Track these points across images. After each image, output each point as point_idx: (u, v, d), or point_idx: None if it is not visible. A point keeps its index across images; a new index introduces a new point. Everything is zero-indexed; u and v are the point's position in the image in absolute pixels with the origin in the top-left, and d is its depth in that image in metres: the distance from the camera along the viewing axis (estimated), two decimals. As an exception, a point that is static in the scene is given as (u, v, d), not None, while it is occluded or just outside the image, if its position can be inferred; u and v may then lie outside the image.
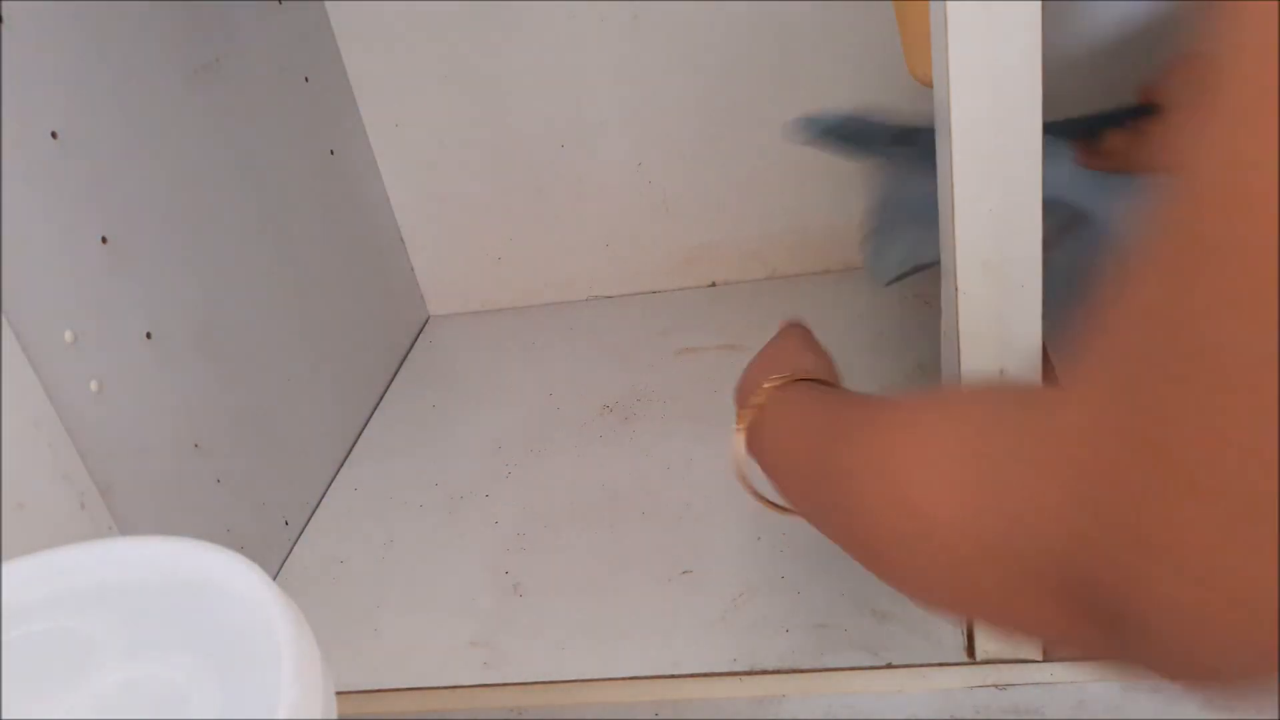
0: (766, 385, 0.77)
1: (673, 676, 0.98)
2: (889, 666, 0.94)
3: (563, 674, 1.00)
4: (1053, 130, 0.69)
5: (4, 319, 0.86)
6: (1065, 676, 0.90)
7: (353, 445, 1.43)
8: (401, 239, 1.66)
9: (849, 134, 1.01)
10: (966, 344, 0.78)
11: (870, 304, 1.50)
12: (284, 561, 1.23)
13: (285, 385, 1.29)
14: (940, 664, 0.93)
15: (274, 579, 0.50)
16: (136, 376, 1.03)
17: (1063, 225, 0.84)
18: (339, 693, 0.48)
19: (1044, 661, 0.91)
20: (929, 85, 0.79)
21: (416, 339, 1.66)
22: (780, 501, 0.75)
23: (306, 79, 1.41)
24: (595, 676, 1.00)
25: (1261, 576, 0.37)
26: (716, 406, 1.34)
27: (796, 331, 0.92)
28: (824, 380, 0.80)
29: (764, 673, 0.96)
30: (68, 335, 0.94)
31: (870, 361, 1.36)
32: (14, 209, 0.90)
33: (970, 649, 0.92)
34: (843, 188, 1.54)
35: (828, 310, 1.50)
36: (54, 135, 0.96)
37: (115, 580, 0.54)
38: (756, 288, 1.60)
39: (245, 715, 0.45)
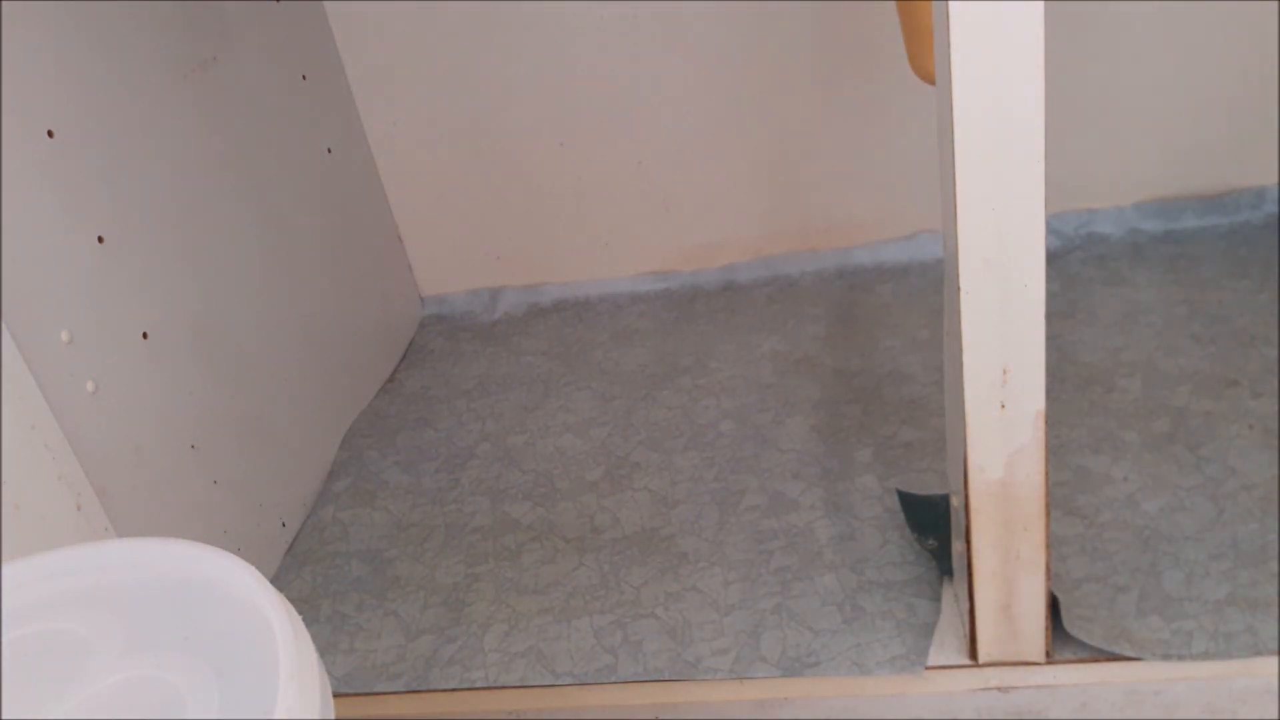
0: None
1: (672, 680, 0.98)
2: (890, 670, 0.93)
3: (558, 676, 1.00)
4: None
5: (1, 319, 0.85)
6: (1068, 679, 0.90)
7: (350, 445, 1.42)
8: (399, 238, 1.65)
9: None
10: (969, 342, 0.77)
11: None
12: (281, 562, 1.23)
13: (282, 385, 1.29)
14: (942, 666, 0.93)
15: (271, 580, 0.50)
16: (133, 377, 1.02)
17: None
18: (336, 694, 0.47)
19: (1047, 664, 0.90)
20: (931, 83, 0.78)
21: (414, 338, 1.66)
22: None
23: (304, 77, 1.41)
24: (594, 680, 0.99)
25: None
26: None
27: None
28: None
29: (765, 676, 0.96)
30: (64, 335, 0.94)
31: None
32: (10, 208, 0.89)
33: (973, 651, 0.92)
34: (842, 186, 1.54)
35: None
36: (50, 134, 0.95)
37: (113, 582, 0.53)
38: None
39: (242, 716, 0.44)
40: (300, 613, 0.49)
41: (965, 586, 0.89)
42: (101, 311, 0.99)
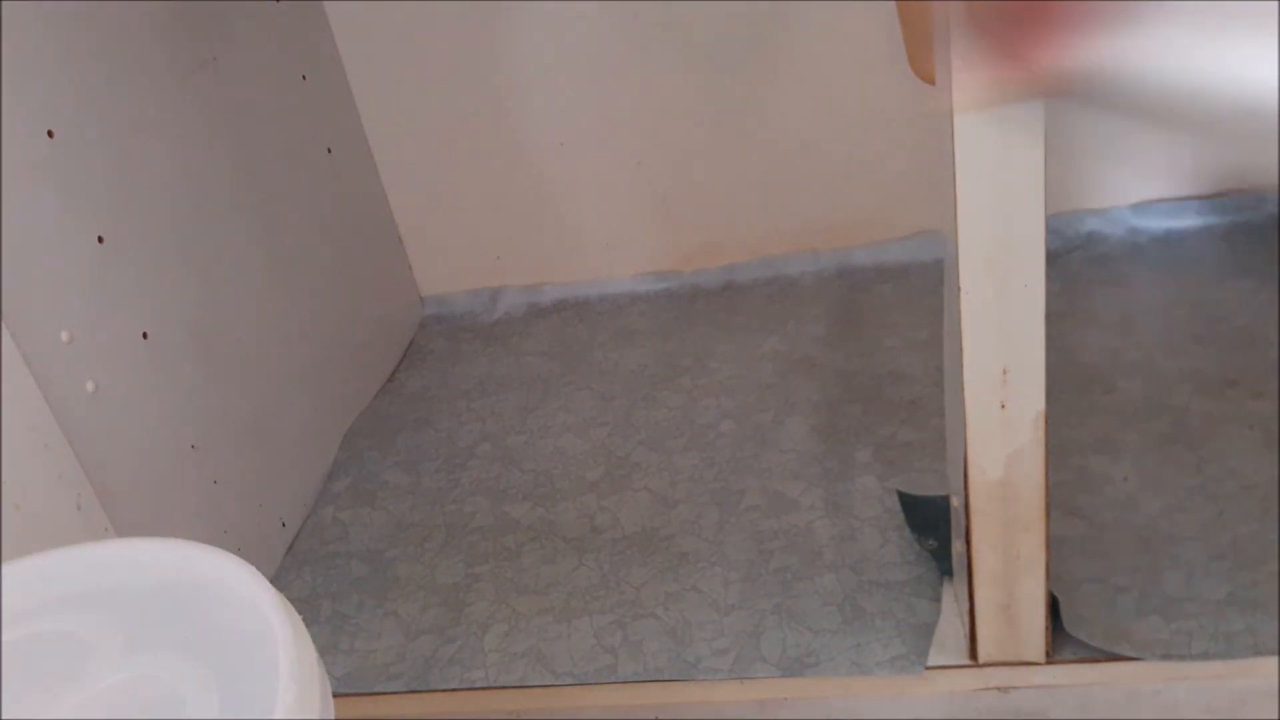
0: None
1: (672, 680, 0.98)
2: (890, 670, 0.93)
3: (558, 677, 1.00)
4: None
5: (1, 319, 0.85)
6: (1068, 679, 0.90)
7: (350, 445, 1.42)
8: (399, 238, 1.65)
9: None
10: (969, 342, 0.77)
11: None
12: (281, 562, 1.23)
13: (282, 385, 1.29)
14: (942, 667, 0.93)
15: (271, 580, 0.49)
16: (133, 377, 1.02)
17: None
18: (336, 694, 0.47)
19: (1047, 664, 0.90)
20: (930, 82, 0.78)
21: (414, 338, 1.66)
22: None
23: (304, 77, 1.41)
24: (594, 680, 0.99)
25: None
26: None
27: None
28: None
29: (765, 676, 0.96)
30: (64, 335, 0.94)
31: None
32: (10, 208, 0.89)
33: (973, 651, 0.92)
34: (842, 186, 1.54)
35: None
36: (50, 134, 0.95)
37: (113, 582, 0.53)
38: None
39: (242, 716, 0.44)
40: (300, 613, 0.49)
41: (965, 586, 0.89)
42: (101, 311, 0.99)
